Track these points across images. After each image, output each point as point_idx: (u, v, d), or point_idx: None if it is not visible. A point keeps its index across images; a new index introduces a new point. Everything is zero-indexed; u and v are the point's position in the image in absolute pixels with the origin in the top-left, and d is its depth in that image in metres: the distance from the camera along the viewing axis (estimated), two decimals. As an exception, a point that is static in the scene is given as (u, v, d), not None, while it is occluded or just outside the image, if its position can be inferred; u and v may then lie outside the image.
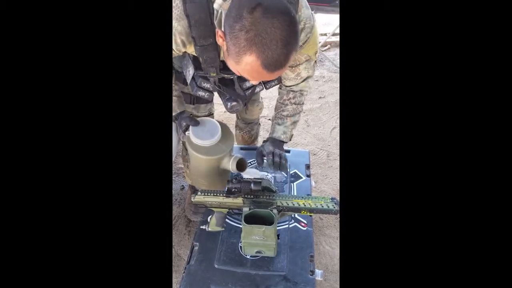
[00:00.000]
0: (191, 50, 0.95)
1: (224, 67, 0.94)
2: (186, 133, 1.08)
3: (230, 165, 1.09)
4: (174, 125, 1.19)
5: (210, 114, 1.33)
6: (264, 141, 1.27)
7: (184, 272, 1.05)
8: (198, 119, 1.12)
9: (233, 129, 1.65)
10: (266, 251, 1.05)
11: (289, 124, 1.24)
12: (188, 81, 1.09)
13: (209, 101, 1.23)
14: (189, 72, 1.06)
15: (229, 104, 1.08)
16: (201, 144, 1.05)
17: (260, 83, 1.12)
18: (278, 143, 1.24)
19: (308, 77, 1.16)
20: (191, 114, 1.20)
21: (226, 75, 1.01)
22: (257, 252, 1.06)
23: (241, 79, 1.05)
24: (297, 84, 1.17)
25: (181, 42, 0.92)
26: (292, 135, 1.30)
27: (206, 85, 1.06)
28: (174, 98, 1.14)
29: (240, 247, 1.10)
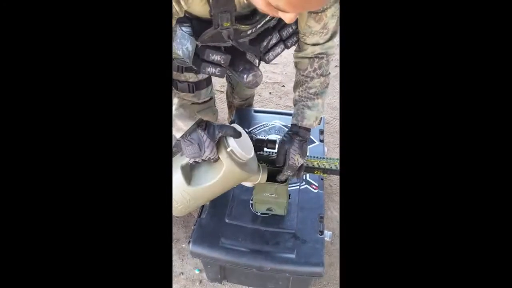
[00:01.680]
0: (195, 3, 0.73)
1: (239, 18, 0.75)
2: (230, 144, 0.84)
3: (261, 178, 0.94)
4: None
5: (211, 99, 1.21)
6: (290, 133, 0.99)
7: (195, 225, 1.07)
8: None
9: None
10: (276, 209, 1.06)
11: (320, 106, 0.98)
12: (189, 61, 0.87)
13: (219, 77, 0.93)
14: (188, 48, 0.85)
15: (245, 76, 0.85)
16: (244, 159, 0.85)
17: (280, 40, 0.92)
18: (304, 132, 0.98)
19: (335, 33, 0.91)
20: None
21: (243, 26, 0.78)
22: (268, 209, 1.07)
23: (257, 40, 0.87)
24: (324, 43, 0.91)
25: None
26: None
27: (216, 57, 0.83)
28: (178, 111, 0.81)
29: (251, 204, 1.11)
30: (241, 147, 0.84)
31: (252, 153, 0.88)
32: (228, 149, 0.83)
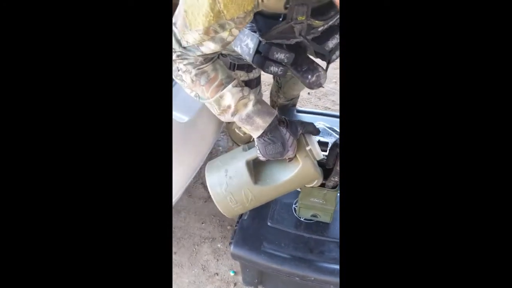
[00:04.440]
0: None
1: (314, 13, 0.70)
2: (309, 142, 0.79)
3: (318, 181, 0.86)
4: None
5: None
6: None
7: (236, 226, 1.04)
8: None
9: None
10: (322, 216, 1.00)
11: None
12: (250, 58, 0.83)
13: (281, 76, 0.90)
14: (248, 45, 0.82)
15: (309, 76, 0.83)
16: (318, 158, 0.80)
17: None
18: None
19: None
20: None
21: (316, 22, 0.73)
22: (313, 215, 1.01)
23: (322, 39, 0.81)
24: None
25: None
26: None
27: (280, 55, 0.80)
28: (256, 107, 0.74)
29: (294, 208, 1.06)
30: (316, 146, 0.79)
31: (321, 153, 0.81)
32: (308, 148, 0.77)
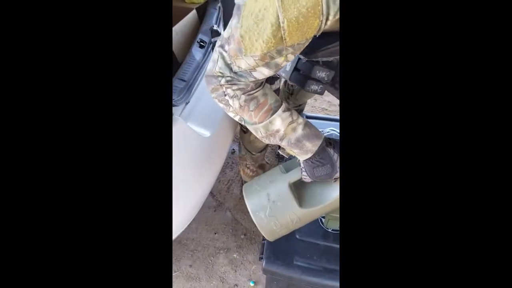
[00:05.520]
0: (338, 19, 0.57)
1: None
2: None
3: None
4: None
5: None
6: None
7: (263, 241, 1.03)
8: None
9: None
10: (351, 227, 1.02)
11: None
12: (286, 75, 0.81)
13: (320, 94, 0.86)
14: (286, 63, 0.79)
15: None
16: None
17: None
18: None
19: None
20: None
21: None
22: (341, 226, 1.03)
23: None
24: None
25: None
26: None
27: (322, 74, 0.79)
28: (305, 131, 0.73)
29: (321, 220, 1.07)
30: None
31: None
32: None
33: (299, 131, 0.73)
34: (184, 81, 0.99)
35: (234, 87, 0.68)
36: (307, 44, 0.63)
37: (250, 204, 0.81)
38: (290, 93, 1.39)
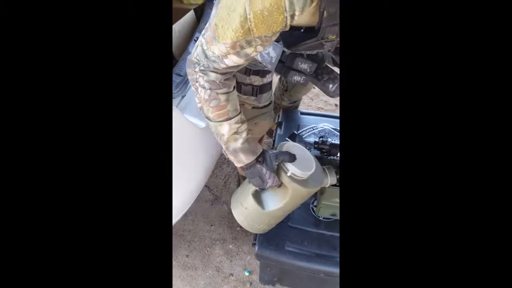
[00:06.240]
0: (307, 14, 0.64)
1: None
2: (289, 168, 0.84)
3: (330, 180, 0.94)
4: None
5: (270, 103, 1.20)
6: None
7: (257, 227, 1.07)
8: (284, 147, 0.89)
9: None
10: (341, 214, 1.06)
11: None
12: (272, 67, 0.88)
13: (303, 85, 0.94)
14: (269, 54, 0.86)
15: (330, 86, 0.87)
16: (306, 176, 0.85)
17: None
18: None
19: None
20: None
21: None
22: (332, 214, 1.07)
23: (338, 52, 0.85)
24: None
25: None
26: None
27: (304, 66, 0.85)
28: (244, 145, 0.82)
29: (312, 208, 1.11)
30: (300, 166, 0.84)
31: (313, 166, 0.87)
32: (288, 174, 0.84)
33: (239, 144, 0.82)
34: (181, 76, 1.06)
35: (205, 77, 0.75)
36: (275, 37, 0.69)
37: (233, 211, 0.95)
38: (285, 89, 1.44)
